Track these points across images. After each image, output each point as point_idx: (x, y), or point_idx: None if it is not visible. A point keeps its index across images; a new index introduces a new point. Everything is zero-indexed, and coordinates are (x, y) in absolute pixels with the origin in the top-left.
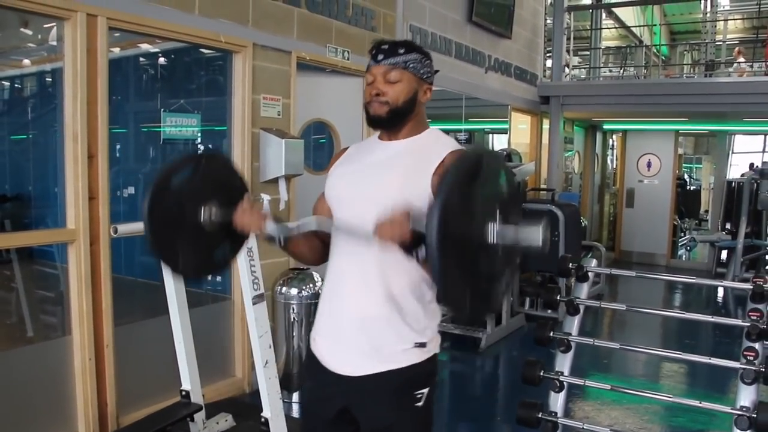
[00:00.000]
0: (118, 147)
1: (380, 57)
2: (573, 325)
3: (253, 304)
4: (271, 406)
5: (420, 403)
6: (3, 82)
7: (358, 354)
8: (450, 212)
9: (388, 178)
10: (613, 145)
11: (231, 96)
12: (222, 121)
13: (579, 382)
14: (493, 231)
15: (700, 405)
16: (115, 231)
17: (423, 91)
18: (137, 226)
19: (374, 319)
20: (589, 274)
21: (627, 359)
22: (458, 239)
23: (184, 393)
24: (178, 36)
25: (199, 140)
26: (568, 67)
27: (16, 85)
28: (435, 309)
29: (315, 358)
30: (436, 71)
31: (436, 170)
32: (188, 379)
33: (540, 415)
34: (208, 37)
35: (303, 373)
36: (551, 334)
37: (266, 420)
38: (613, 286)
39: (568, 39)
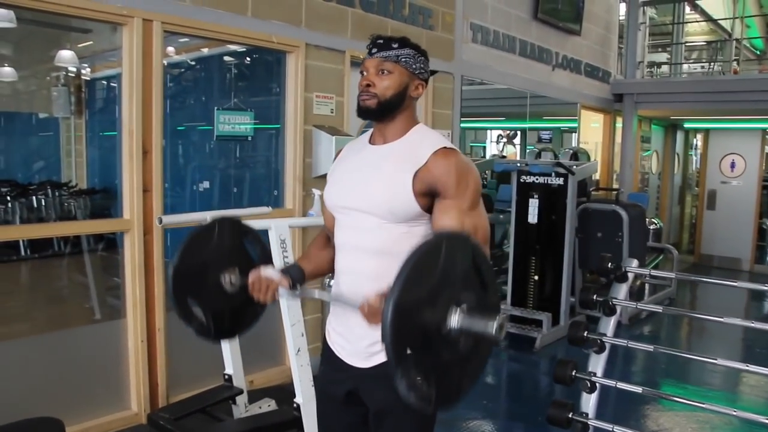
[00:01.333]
0: (177, 143)
1: (374, 50)
2: (608, 325)
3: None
4: (303, 392)
5: None
6: (101, 82)
7: (363, 350)
8: (402, 307)
9: (372, 186)
10: (695, 145)
11: (284, 94)
12: (275, 118)
13: (610, 383)
14: (450, 321)
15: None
16: (160, 221)
17: (414, 86)
18: (181, 218)
19: None
20: (629, 274)
21: (693, 367)
22: (412, 330)
23: (226, 377)
24: (231, 38)
25: (251, 137)
26: (650, 64)
27: (112, 84)
28: None
29: (329, 347)
30: (434, 72)
31: (418, 174)
32: (231, 364)
33: (571, 416)
34: (261, 38)
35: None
36: (585, 334)
37: (298, 405)
38: (692, 291)
39: (650, 35)
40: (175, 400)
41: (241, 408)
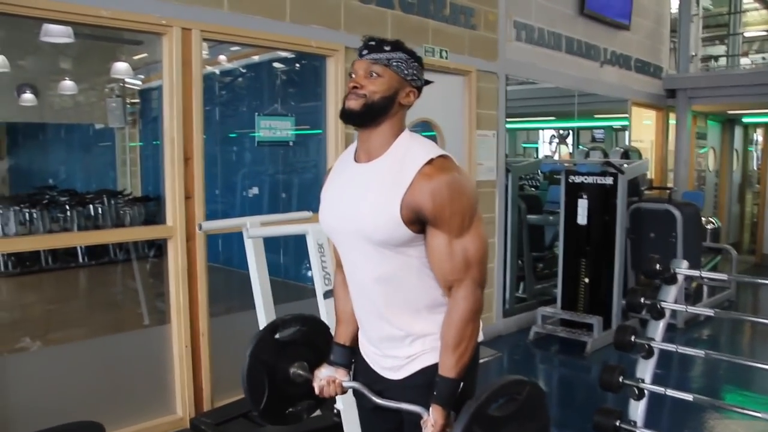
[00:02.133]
0: (228, 150)
1: (365, 52)
2: (657, 329)
3: (324, 298)
4: (344, 399)
5: None
6: (154, 92)
7: (388, 365)
8: None
9: (358, 212)
10: (755, 140)
11: (325, 98)
12: (317, 123)
13: (659, 390)
14: None
15: None
16: (200, 228)
17: (405, 92)
18: (220, 224)
19: (391, 340)
20: (678, 276)
21: (753, 375)
22: None
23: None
24: (270, 43)
25: (293, 142)
26: (706, 58)
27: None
28: None
29: (362, 358)
30: (428, 82)
31: (404, 200)
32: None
33: (618, 424)
34: (300, 42)
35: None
36: (632, 338)
37: (339, 411)
38: (754, 293)
39: (705, 27)
40: (220, 404)
41: None
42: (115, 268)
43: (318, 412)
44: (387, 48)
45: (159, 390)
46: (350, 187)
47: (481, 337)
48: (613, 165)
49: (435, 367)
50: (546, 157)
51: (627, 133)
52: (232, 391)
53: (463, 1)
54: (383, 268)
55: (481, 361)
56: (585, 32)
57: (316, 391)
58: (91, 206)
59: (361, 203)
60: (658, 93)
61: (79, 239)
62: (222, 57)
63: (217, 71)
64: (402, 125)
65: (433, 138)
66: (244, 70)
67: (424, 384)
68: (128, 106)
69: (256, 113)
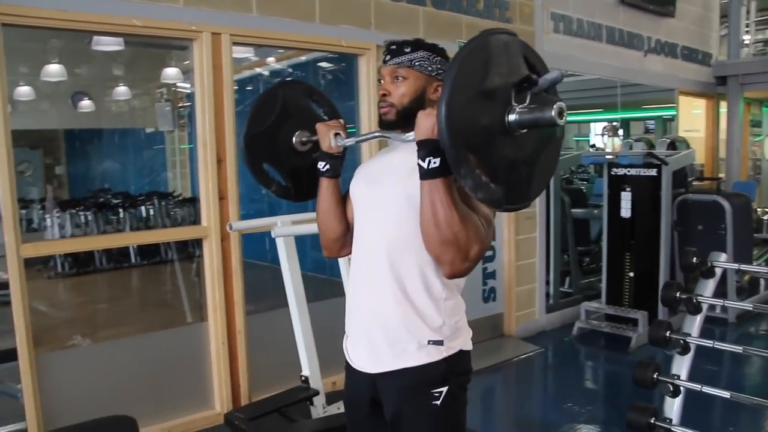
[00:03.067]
0: None
1: (387, 58)
2: (693, 325)
3: None
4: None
5: (437, 402)
6: None
7: (374, 350)
8: (456, 106)
9: (389, 187)
10: None
11: (357, 96)
12: (350, 121)
13: (695, 387)
14: (508, 116)
15: None
16: (230, 227)
17: (433, 88)
18: (250, 224)
19: (387, 316)
20: (717, 270)
21: None
22: (470, 130)
23: (303, 378)
24: (300, 44)
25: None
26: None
27: None
28: (452, 306)
29: (348, 363)
30: None
31: None
32: (307, 366)
33: (653, 421)
34: (330, 42)
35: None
36: (667, 334)
37: (306, 378)
38: None
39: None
40: (256, 400)
41: (319, 409)
42: (165, 268)
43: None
44: (407, 50)
45: (198, 386)
46: (386, 166)
47: (469, 347)
48: (655, 156)
49: (429, 366)
50: (596, 148)
51: (675, 122)
52: (269, 387)
53: None
54: (398, 229)
55: (523, 356)
56: (626, 21)
57: (320, 130)
58: (142, 208)
59: (394, 177)
60: (708, 81)
61: (116, 241)
62: (270, 59)
63: (250, 73)
64: None
65: None
66: (279, 70)
67: (410, 386)
68: (180, 109)
69: None
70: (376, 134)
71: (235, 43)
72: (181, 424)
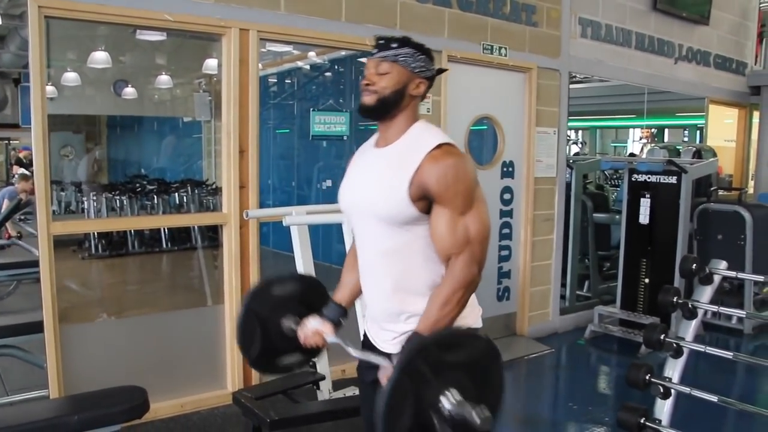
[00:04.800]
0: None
1: (375, 51)
2: (688, 329)
3: None
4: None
5: None
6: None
7: (385, 338)
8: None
9: (370, 191)
10: None
11: None
12: None
13: (685, 390)
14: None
15: None
16: (246, 215)
17: (414, 84)
18: (266, 212)
19: (389, 314)
20: (715, 277)
21: None
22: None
23: (311, 364)
24: (325, 42)
25: (347, 136)
26: None
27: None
28: None
29: (366, 337)
30: (442, 70)
31: (414, 180)
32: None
33: (642, 421)
34: (354, 41)
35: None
36: (662, 337)
37: (314, 364)
38: None
39: None
40: (264, 382)
41: (325, 393)
42: (193, 254)
43: (355, 393)
44: (394, 45)
45: (212, 365)
46: (368, 169)
47: (479, 324)
48: (675, 164)
49: None
50: (631, 155)
51: (701, 131)
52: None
53: None
54: (390, 243)
55: (533, 355)
56: (658, 28)
57: (301, 339)
58: (176, 194)
59: (376, 183)
60: (741, 90)
61: (141, 223)
62: (311, 53)
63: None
64: (416, 114)
65: (492, 133)
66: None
67: None
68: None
69: (311, 108)
70: (357, 355)
71: (263, 39)
72: (193, 401)
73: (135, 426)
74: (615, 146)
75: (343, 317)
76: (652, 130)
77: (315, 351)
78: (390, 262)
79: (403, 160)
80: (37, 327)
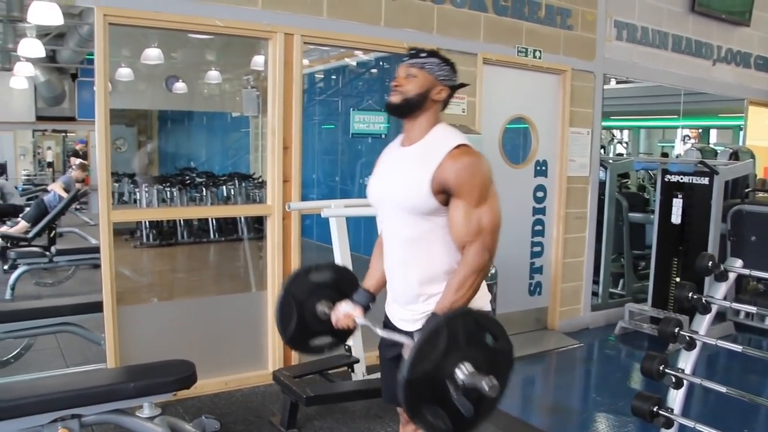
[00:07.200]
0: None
1: (405, 59)
2: (702, 323)
3: None
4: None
5: None
6: None
7: (406, 317)
8: (413, 380)
9: (396, 185)
10: None
11: None
12: None
13: (696, 380)
14: (457, 378)
15: None
16: (288, 207)
17: (437, 90)
18: (306, 204)
19: (409, 296)
20: (730, 274)
21: None
22: (425, 392)
23: (347, 348)
24: (365, 45)
25: (385, 134)
26: None
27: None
28: None
29: (387, 317)
30: (463, 84)
31: (435, 175)
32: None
33: (655, 410)
34: (392, 44)
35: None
36: (676, 330)
37: (349, 348)
38: None
39: None
40: (302, 363)
41: (359, 375)
42: (239, 245)
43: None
44: (423, 55)
45: (254, 346)
46: (394, 166)
47: (488, 307)
48: (707, 165)
49: None
50: (663, 155)
51: (742, 132)
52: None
53: (559, 3)
54: (413, 231)
55: (563, 349)
56: (696, 30)
57: (333, 321)
58: (224, 187)
59: (401, 178)
60: None
61: (191, 212)
62: (358, 52)
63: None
64: (437, 117)
65: (526, 133)
66: (352, 64)
67: None
68: (261, 96)
69: (351, 108)
70: (383, 334)
71: (306, 43)
72: (237, 379)
73: (184, 399)
74: (662, 146)
75: (371, 302)
76: (699, 130)
77: (345, 335)
78: (412, 249)
79: (426, 158)
80: (95, 307)
